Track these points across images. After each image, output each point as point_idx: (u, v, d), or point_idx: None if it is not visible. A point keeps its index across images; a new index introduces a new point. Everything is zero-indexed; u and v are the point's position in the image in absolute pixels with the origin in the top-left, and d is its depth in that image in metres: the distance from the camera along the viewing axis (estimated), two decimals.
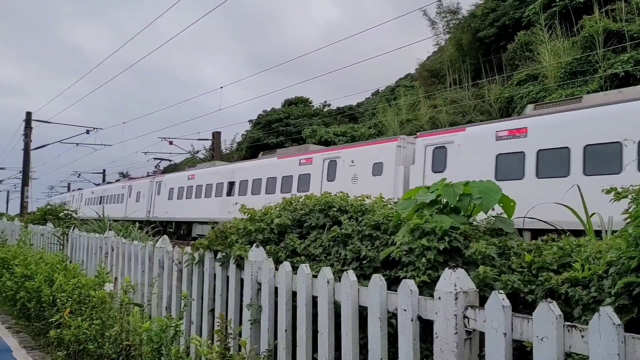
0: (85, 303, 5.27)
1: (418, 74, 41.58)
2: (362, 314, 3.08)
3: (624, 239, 2.44)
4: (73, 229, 9.63)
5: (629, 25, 23.31)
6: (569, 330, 2.05)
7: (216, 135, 38.54)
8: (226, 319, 3.85)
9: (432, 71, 38.73)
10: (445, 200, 3.66)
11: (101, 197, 40.81)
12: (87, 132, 33.31)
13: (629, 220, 2.45)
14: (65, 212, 15.02)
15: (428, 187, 3.81)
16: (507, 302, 2.26)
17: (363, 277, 3.43)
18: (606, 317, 1.90)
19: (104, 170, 66.21)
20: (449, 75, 34.37)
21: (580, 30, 25.42)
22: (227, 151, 51.20)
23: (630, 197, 2.51)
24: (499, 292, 2.29)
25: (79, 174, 62.09)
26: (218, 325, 3.72)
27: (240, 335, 3.89)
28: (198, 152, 49.53)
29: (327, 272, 3.25)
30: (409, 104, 35.68)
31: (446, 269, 2.56)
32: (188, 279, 4.90)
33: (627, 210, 2.43)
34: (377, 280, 2.89)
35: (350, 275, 3.07)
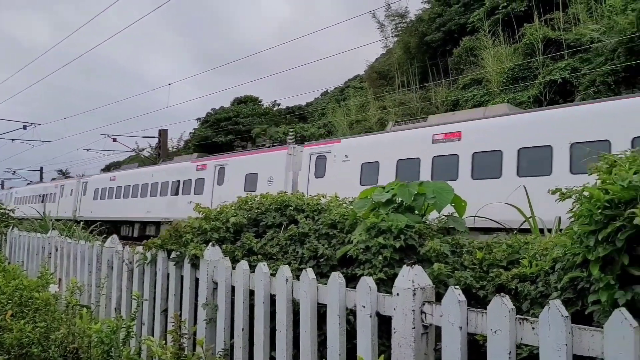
0: (28, 305, 5.05)
1: (367, 75, 42.07)
2: (320, 311, 3.12)
3: (568, 236, 2.59)
4: (12, 229, 9.18)
5: (566, 34, 24.52)
6: (520, 322, 2.17)
7: (163, 133, 37.71)
8: (180, 318, 3.81)
9: (380, 73, 39.30)
10: (400, 199, 3.76)
11: (137, 185, 26.64)
12: (24, 127, 31.90)
13: (573, 219, 2.59)
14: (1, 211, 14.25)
15: (384, 187, 3.90)
16: (462, 297, 2.35)
17: (320, 275, 3.46)
18: (555, 310, 2.02)
19: (42, 168, 63.40)
20: (397, 78, 35.00)
21: (521, 38, 26.55)
22: (174, 149, 50.11)
23: (574, 197, 2.66)
24: (455, 288, 2.39)
25: (14, 172, 59.26)
26: (172, 325, 3.67)
27: (195, 335, 3.85)
28: (143, 149, 48.18)
29: (285, 270, 3.27)
30: (358, 104, 36.10)
31: (404, 266, 2.63)
32: (139, 279, 4.80)
33: (571, 209, 2.58)
34: (337, 278, 2.93)
35: (309, 274, 3.10)
